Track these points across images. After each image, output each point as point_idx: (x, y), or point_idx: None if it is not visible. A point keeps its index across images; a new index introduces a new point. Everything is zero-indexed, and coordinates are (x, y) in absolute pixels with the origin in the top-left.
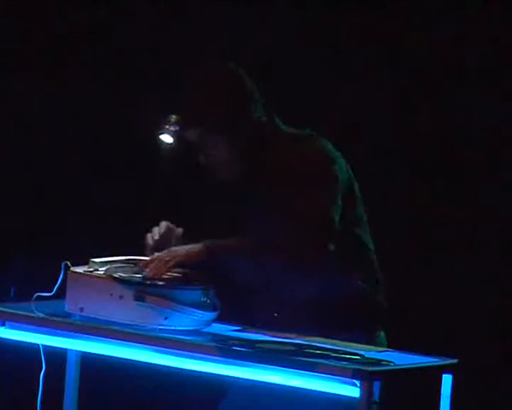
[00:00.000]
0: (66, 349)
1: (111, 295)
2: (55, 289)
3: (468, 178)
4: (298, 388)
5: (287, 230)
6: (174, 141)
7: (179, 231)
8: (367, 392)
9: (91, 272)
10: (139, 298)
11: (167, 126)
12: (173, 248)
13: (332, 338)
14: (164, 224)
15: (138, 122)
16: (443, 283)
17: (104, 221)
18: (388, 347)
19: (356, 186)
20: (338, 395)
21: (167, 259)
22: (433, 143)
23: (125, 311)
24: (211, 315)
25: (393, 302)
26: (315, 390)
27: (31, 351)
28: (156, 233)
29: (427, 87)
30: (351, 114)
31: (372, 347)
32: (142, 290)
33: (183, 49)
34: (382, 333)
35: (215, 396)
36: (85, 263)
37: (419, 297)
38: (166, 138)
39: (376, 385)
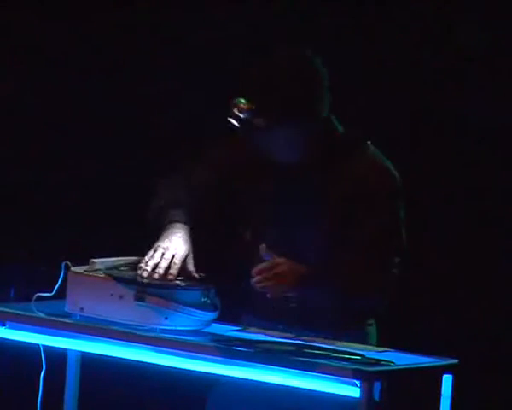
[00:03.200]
0: (66, 349)
1: (111, 295)
2: (55, 290)
3: (469, 175)
4: (298, 388)
5: (362, 252)
6: (240, 126)
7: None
8: (367, 392)
9: (91, 272)
10: (139, 298)
11: (236, 111)
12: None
13: (327, 327)
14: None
15: (137, 120)
16: (443, 282)
17: (104, 221)
18: (387, 345)
19: None
20: (338, 395)
21: (279, 271)
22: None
23: (126, 311)
24: (211, 315)
25: (393, 302)
26: (315, 390)
27: (31, 351)
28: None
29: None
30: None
31: (372, 347)
32: (143, 290)
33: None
34: (374, 323)
35: (208, 394)
36: (85, 263)
37: (419, 297)
38: (234, 122)
39: (377, 385)
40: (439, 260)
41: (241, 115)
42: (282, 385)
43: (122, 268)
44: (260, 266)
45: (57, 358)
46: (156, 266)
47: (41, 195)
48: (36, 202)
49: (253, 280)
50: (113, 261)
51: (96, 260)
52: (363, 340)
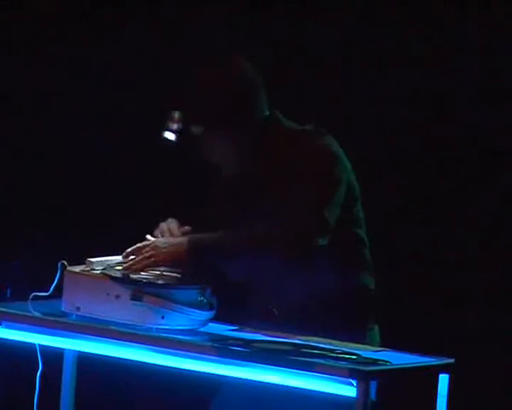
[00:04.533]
0: (62, 349)
1: (108, 294)
2: (51, 289)
3: (467, 177)
4: (295, 387)
5: (276, 224)
6: (177, 138)
7: (186, 229)
8: (364, 392)
9: (88, 271)
10: (136, 298)
11: (170, 123)
12: (158, 242)
13: (329, 334)
14: (171, 221)
15: (137, 120)
16: (440, 282)
17: (101, 220)
18: (384, 345)
19: (357, 185)
20: (335, 394)
21: (147, 255)
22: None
23: (122, 310)
24: (207, 315)
25: (390, 301)
26: (312, 390)
27: (27, 351)
28: (166, 230)
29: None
30: (349, 114)
31: (368, 346)
32: (139, 290)
33: (183, 44)
34: (376, 327)
35: (211, 396)
36: (82, 263)
37: (416, 296)
38: (169, 136)
39: (373, 385)
40: (436, 260)
41: (176, 126)
42: (279, 385)
43: (118, 268)
44: (128, 250)
45: (54, 357)
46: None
47: (39, 194)
48: (33, 202)
49: (123, 266)
50: (109, 261)
51: (92, 260)
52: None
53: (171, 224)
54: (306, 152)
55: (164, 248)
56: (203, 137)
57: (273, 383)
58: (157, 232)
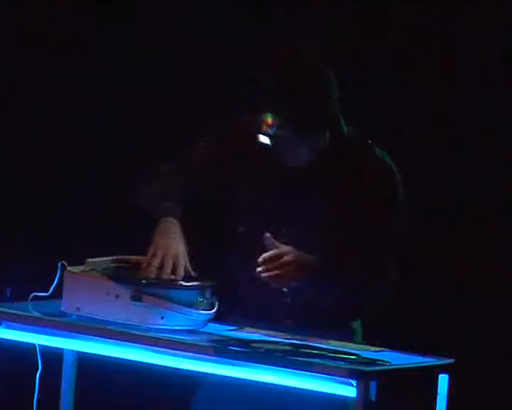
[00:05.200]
0: (62, 349)
1: (107, 294)
2: (51, 289)
3: (469, 171)
4: (294, 388)
5: (366, 251)
6: (271, 142)
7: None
8: (363, 392)
9: (88, 271)
10: (135, 298)
11: (265, 127)
12: (294, 251)
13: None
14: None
15: (137, 120)
16: (439, 282)
17: (101, 220)
18: (384, 345)
19: None
20: (334, 394)
21: (291, 269)
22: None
23: (122, 311)
24: (207, 315)
25: (390, 301)
26: (311, 390)
27: (27, 351)
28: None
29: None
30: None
31: (368, 346)
32: (139, 290)
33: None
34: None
35: (194, 393)
36: (82, 263)
37: (415, 296)
38: (265, 139)
39: (373, 385)
40: (436, 260)
41: (271, 131)
42: (278, 385)
43: (118, 268)
44: (266, 255)
45: (53, 358)
46: (161, 264)
47: (38, 194)
48: (33, 202)
49: (259, 269)
50: (109, 261)
51: (92, 260)
52: (349, 336)
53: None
54: (374, 171)
55: (299, 259)
56: (296, 138)
57: (272, 384)
58: (268, 243)
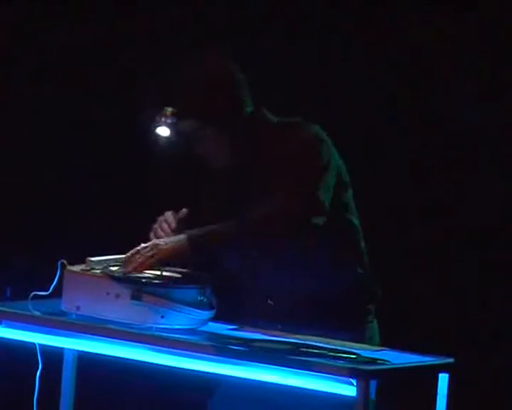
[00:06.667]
0: (62, 348)
1: (107, 293)
2: (51, 288)
3: (466, 172)
4: (294, 387)
5: (270, 207)
6: (171, 133)
7: (183, 211)
8: (364, 391)
9: (88, 270)
10: (136, 297)
11: (163, 119)
12: (157, 242)
13: (327, 329)
14: (169, 214)
15: (134, 119)
16: (440, 281)
17: (101, 220)
18: (384, 344)
19: (347, 174)
20: (334, 394)
21: (149, 254)
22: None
23: (122, 310)
24: (207, 314)
25: (389, 300)
26: (312, 389)
27: (27, 350)
28: (162, 221)
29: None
30: (344, 111)
31: (368, 346)
32: (139, 289)
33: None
34: (375, 321)
35: (211, 396)
36: (82, 262)
37: (415, 296)
38: (163, 131)
39: (373, 384)
40: (435, 260)
41: (169, 121)
42: (279, 385)
43: (118, 267)
44: (126, 256)
45: (53, 357)
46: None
47: (37, 194)
48: (33, 202)
49: (126, 269)
50: (109, 260)
51: (92, 259)
52: (364, 339)
53: (167, 215)
54: (293, 140)
55: (164, 245)
56: (194, 133)
57: (273, 383)
58: (156, 226)
